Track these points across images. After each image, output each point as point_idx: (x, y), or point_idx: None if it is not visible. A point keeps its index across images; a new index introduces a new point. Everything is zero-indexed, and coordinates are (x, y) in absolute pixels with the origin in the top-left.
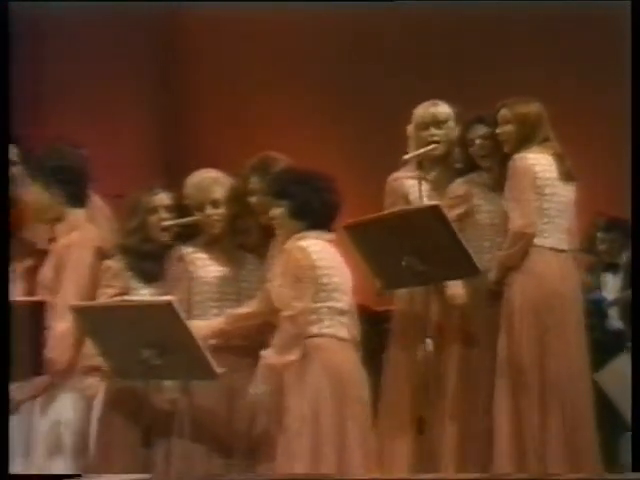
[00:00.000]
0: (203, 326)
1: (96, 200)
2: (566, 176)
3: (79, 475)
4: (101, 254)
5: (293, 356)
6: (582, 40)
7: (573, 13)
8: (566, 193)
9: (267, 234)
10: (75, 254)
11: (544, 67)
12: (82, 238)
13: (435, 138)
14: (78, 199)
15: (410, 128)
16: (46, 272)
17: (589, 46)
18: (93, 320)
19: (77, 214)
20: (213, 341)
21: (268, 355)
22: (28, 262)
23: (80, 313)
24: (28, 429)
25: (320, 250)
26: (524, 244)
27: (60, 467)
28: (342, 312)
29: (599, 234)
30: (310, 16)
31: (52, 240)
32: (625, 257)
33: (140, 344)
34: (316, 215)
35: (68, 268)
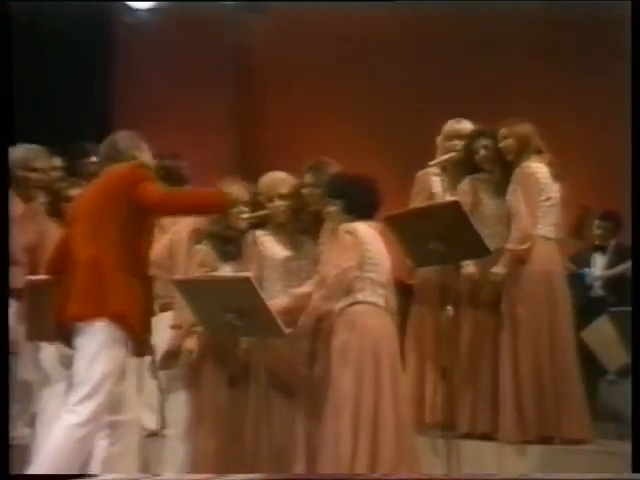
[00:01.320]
0: (272, 304)
1: None
2: (556, 178)
3: (81, 475)
4: (197, 235)
5: (332, 306)
6: (582, 40)
7: (573, 13)
8: (556, 193)
9: (318, 221)
10: (184, 239)
11: (544, 67)
12: (186, 225)
13: (456, 148)
14: None
15: (439, 138)
16: (159, 253)
17: (589, 46)
18: (190, 290)
19: None
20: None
21: (315, 299)
22: None
23: (180, 285)
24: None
25: (365, 231)
26: (531, 235)
27: None
28: (381, 285)
29: (596, 221)
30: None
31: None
32: (613, 242)
33: (224, 309)
34: (363, 211)
35: (181, 250)
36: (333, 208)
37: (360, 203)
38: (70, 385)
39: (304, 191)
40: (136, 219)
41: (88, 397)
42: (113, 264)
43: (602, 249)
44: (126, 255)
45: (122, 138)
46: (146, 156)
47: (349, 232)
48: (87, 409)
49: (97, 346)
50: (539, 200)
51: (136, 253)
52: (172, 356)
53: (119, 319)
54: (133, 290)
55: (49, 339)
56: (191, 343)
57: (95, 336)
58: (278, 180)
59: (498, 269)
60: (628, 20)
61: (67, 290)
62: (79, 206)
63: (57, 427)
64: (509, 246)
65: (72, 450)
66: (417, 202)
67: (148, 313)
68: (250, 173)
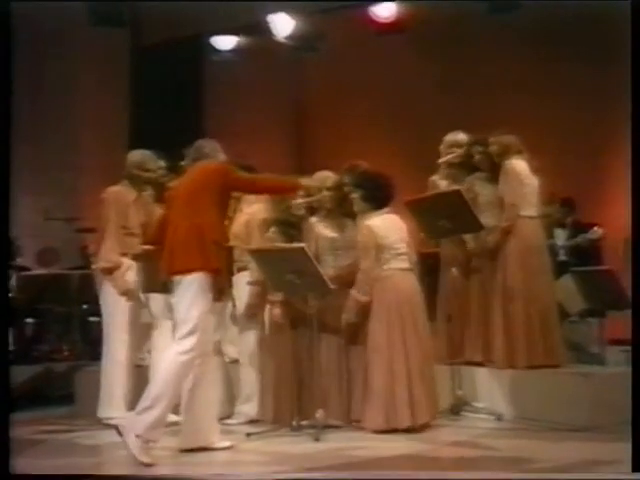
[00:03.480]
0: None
1: None
2: (534, 172)
3: (80, 476)
4: (267, 223)
5: (366, 297)
6: (582, 40)
7: (573, 13)
8: (534, 183)
9: None
10: (256, 220)
11: (543, 66)
12: (258, 210)
13: (455, 153)
14: None
15: (441, 147)
16: (237, 228)
17: (588, 46)
18: (261, 257)
19: (251, 197)
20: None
21: (353, 293)
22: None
23: (255, 254)
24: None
25: (379, 224)
26: (515, 215)
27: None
28: (401, 253)
29: (557, 206)
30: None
31: (237, 210)
32: (569, 220)
33: (286, 271)
34: (377, 201)
35: (254, 227)
36: (355, 195)
37: (375, 195)
38: (175, 324)
39: (345, 188)
40: (222, 200)
41: (189, 333)
42: (207, 233)
43: (562, 225)
44: (216, 227)
45: (207, 144)
46: (223, 158)
47: (365, 231)
48: (189, 342)
49: (194, 293)
50: (520, 188)
51: (221, 225)
52: (253, 308)
53: (215, 272)
54: (221, 252)
55: (158, 291)
56: (277, 311)
57: (193, 285)
58: (325, 177)
59: (491, 238)
60: (628, 19)
61: (170, 252)
62: (178, 191)
63: (167, 354)
64: (501, 224)
65: (179, 370)
66: None
67: (230, 270)
68: (304, 172)
